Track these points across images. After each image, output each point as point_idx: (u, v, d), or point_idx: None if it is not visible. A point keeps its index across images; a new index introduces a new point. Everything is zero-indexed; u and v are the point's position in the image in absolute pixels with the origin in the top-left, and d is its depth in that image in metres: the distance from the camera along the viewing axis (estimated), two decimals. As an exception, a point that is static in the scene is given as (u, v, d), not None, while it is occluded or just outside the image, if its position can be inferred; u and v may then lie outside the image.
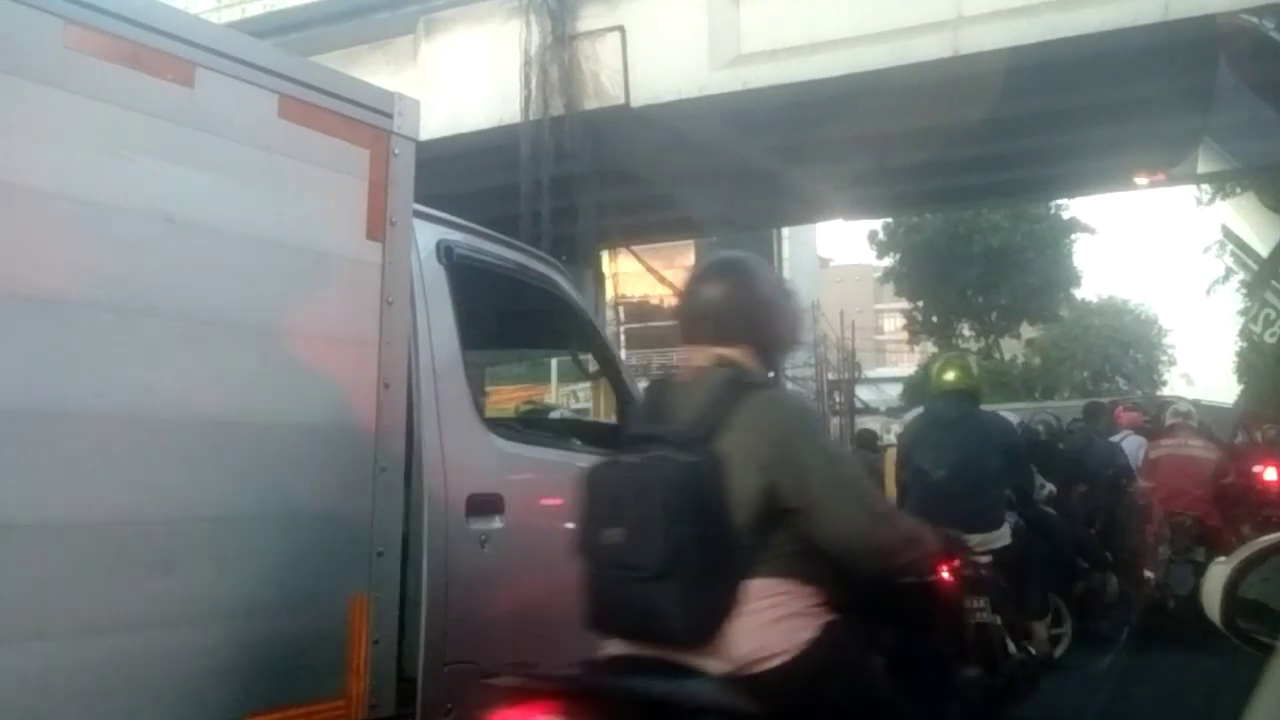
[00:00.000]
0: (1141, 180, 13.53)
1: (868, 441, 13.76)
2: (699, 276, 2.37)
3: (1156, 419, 9.85)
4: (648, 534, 2.02)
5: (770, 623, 1.94)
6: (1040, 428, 8.83)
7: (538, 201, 11.57)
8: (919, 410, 6.21)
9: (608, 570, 2.09)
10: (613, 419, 4.61)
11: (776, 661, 1.95)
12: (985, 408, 5.76)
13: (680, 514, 2.01)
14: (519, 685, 2.04)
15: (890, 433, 18.57)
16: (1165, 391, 31.17)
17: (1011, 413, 7.03)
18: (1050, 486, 6.37)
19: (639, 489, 2.07)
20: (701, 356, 2.26)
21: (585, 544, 2.17)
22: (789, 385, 34.65)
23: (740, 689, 1.94)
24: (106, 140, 2.31)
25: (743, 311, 2.25)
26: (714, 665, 1.95)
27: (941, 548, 2.53)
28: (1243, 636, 1.68)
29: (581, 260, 12.86)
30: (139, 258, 2.36)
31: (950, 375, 5.51)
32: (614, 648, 2.12)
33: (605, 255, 16.07)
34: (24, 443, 2.13)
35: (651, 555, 2.00)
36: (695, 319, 2.29)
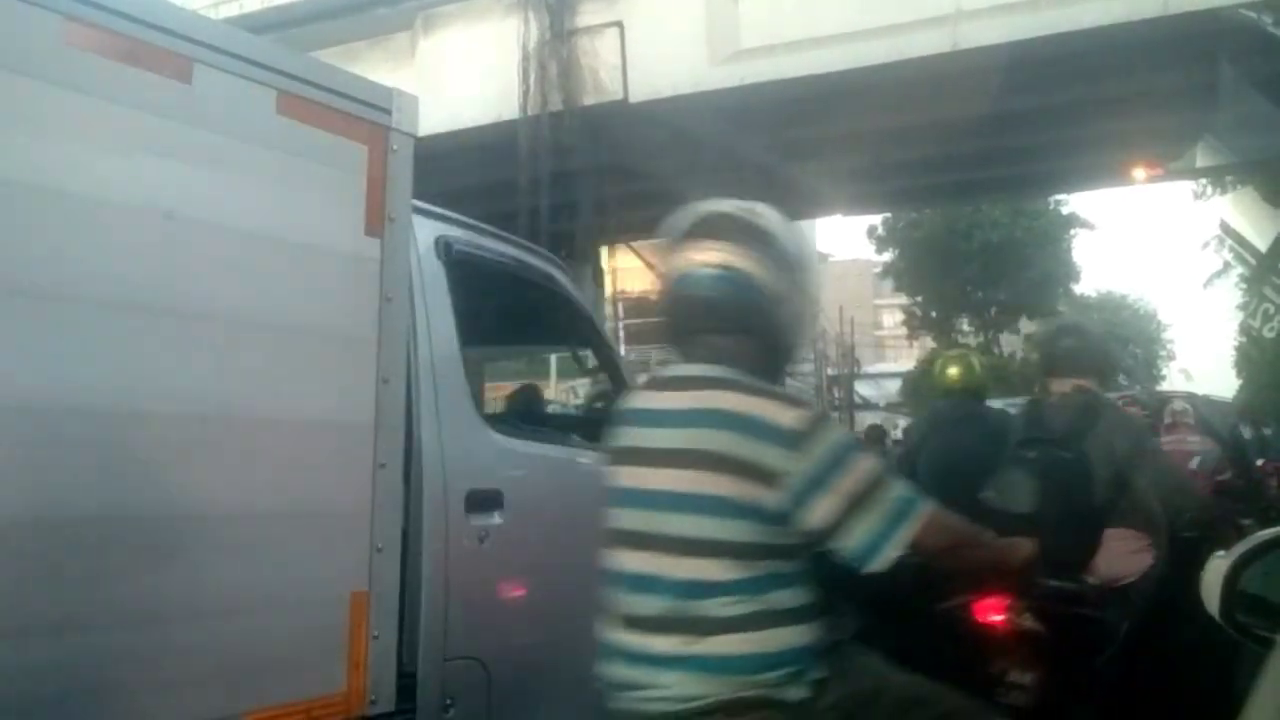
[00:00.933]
0: (1140, 175, 13.51)
1: (877, 437, 13.90)
2: (1056, 333, 3.74)
3: (1156, 414, 9.85)
4: (1051, 501, 3.10)
5: (1124, 554, 2.64)
6: None
7: (536, 197, 11.56)
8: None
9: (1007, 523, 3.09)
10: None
11: (1131, 579, 2.73)
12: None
13: (1068, 489, 3.12)
14: None
15: (896, 428, 18.60)
16: (1164, 386, 31.20)
17: (1013, 408, 7.00)
18: None
19: (1041, 473, 3.21)
20: (1065, 385, 3.48)
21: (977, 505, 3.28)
22: (789, 381, 34.60)
23: (1109, 594, 2.79)
24: (106, 137, 2.31)
25: (1090, 354, 3.56)
26: (1090, 580, 2.70)
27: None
28: (1242, 630, 1.68)
29: (580, 256, 12.85)
30: (138, 254, 2.36)
31: (953, 372, 5.44)
32: None
33: (604, 251, 16.05)
34: (21, 439, 2.13)
35: (1055, 513, 3.05)
36: (1058, 360, 3.57)
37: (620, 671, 1.98)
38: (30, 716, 2.12)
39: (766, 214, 2.07)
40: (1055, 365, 3.59)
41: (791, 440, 1.85)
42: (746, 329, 2.01)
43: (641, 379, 2.17)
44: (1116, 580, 2.84)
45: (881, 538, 1.86)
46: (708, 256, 1.99)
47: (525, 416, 4.58)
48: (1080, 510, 3.07)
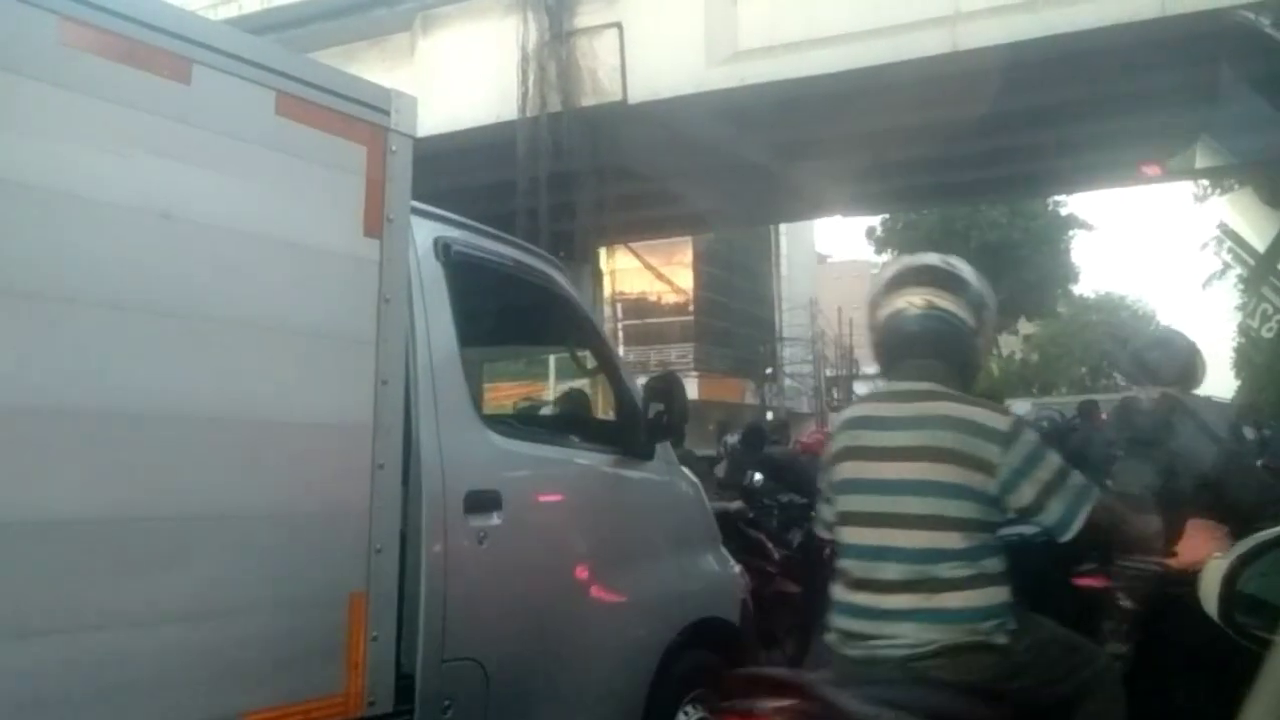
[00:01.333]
0: (1139, 176, 13.52)
1: None
2: (1147, 345, 4.03)
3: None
4: (1134, 488, 3.33)
5: (1205, 542, 2.67)
6: (1045, 424, 8.88)
7: (535, 198, 11.57)
8: None
9: None
10: (610, 416, 4.59)
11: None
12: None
13: (1156, 482, 3.35)
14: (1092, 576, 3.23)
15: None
16: (1163, 387, 31.07)
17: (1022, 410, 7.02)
18: None
19: (1134, 468, 3.57)
20: (1154, 392, 3.80)
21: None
22: (788, 382, 34.65)
23: (1189, 578, 2.80)
24: (103, 137, 2.30)
25: (1177, 364, 3.79)
26: (1172, 563, 2.75)
27: None
28: (1240, 631, 1.68)
29: (579, 257, 12.88)
30: (136, 255, 2.36)
31: None
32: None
33: (603, 252, 16.06)
34: (17, 440, 2.13)
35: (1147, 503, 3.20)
36: (1148, 370, 3.86)
37: (854, 625, 2.46)
38: (28, 717, 2.12)
39: (960, 264, 2.64)
40: (1145, 374, 4.05)
41: (1003, 439, 2.39)
42: (945, 355, 2.55)
43: (861, 394, 2.79)
44: (1197, 565, 3.13)
45: (1071, 515, 2.41)
46: (915, 299, 2.56)
47: (572, 421, 4.58)
48: (1166, 502, 3.34)
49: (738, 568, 4.82)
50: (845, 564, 2.53)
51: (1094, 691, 2.53)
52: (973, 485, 2.39)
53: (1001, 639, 2.38)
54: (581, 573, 3.76)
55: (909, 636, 2.36)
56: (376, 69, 10.94)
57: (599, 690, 3.72)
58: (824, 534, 2.82)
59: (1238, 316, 18.41)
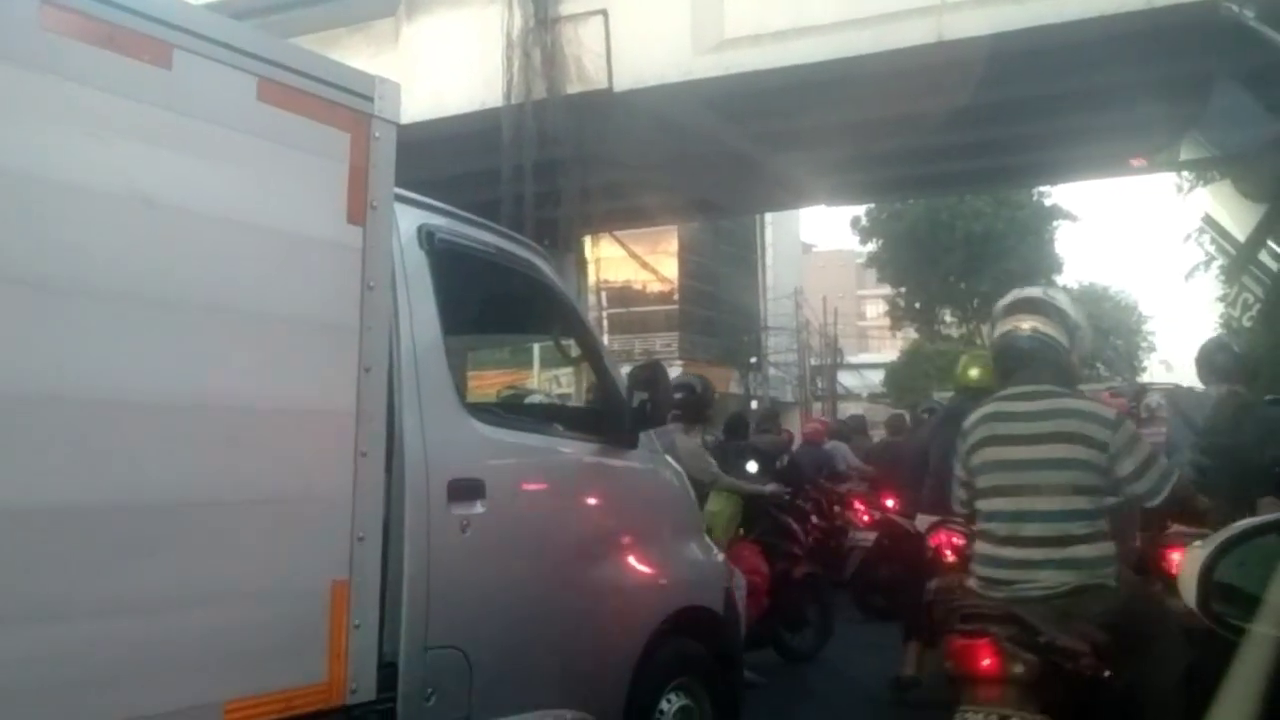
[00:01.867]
0: (1123, 167, 13.57)
1: (859, 426, 14.08)
2: (1214, 349, 4.84)
3: (1136, 405, 9.97)
4: (1219, 477, 4.06)
5: None
6: None
7: (520, 186, 11.53)
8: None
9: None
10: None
11: None
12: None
13: (1231, 468, 4.12)
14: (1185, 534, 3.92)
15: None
16: (1145, 378, 31.39)
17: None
18: None
19: (1211, 456, 4.40)
20: (1221, 389, 4.69)
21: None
22: (771, 371, 34.69)
23: None
24: (85, 123, 2.28)
25: (1241, 364, 4.74)
26: None
27: None
28: (1217, 619, 1.69)
29: (564, 245, 12.84)
30: (117, 241, 2.34)
31: (974, 372, 5.67)
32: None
33: (588, 240, 16.03)
34: None
35: (1224, 486, 3.98)
36: (1215, 370, 4.76)
37: (1000, 573, 3.16)
38: (7, 705, 2.11)
39: (1059, 296, 3.51)
40: (1213, 373, 4.72)
41: (1112, 425, 3.17)
42: (1046, 367, 3.31)
43: (991, 397, 3.49)
44: None
45: (1161, 484, 3.17)
46: (1023, 324, 3.35)
47: (556, 409, 4.58)
48: (1241, 484, 3.96)
49: (721, 556, 4.83)
50: (990, 526, 3.25)
51: (1164, 633, 3.12)
52: (1092, 460, 3.11)
53: (1113, 582, 3.11)
54: (565, 561, 3.77)
55: (1048, 580, 3.06)
56: (360, 55, 10.87)
57: (582, 678, 3.72)
58: (960, 510, 3.51)
59: (1219, 307, 18.51)
